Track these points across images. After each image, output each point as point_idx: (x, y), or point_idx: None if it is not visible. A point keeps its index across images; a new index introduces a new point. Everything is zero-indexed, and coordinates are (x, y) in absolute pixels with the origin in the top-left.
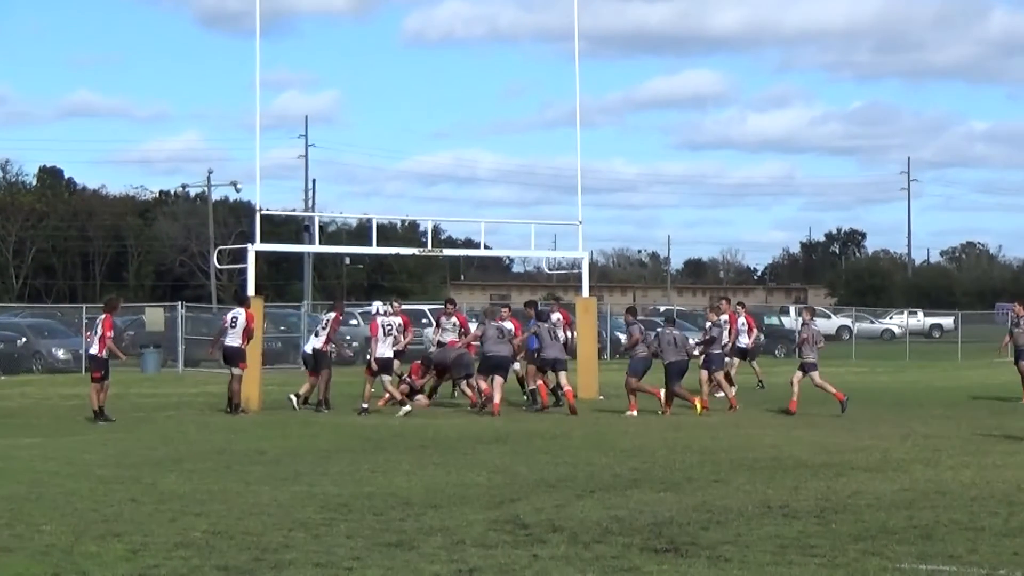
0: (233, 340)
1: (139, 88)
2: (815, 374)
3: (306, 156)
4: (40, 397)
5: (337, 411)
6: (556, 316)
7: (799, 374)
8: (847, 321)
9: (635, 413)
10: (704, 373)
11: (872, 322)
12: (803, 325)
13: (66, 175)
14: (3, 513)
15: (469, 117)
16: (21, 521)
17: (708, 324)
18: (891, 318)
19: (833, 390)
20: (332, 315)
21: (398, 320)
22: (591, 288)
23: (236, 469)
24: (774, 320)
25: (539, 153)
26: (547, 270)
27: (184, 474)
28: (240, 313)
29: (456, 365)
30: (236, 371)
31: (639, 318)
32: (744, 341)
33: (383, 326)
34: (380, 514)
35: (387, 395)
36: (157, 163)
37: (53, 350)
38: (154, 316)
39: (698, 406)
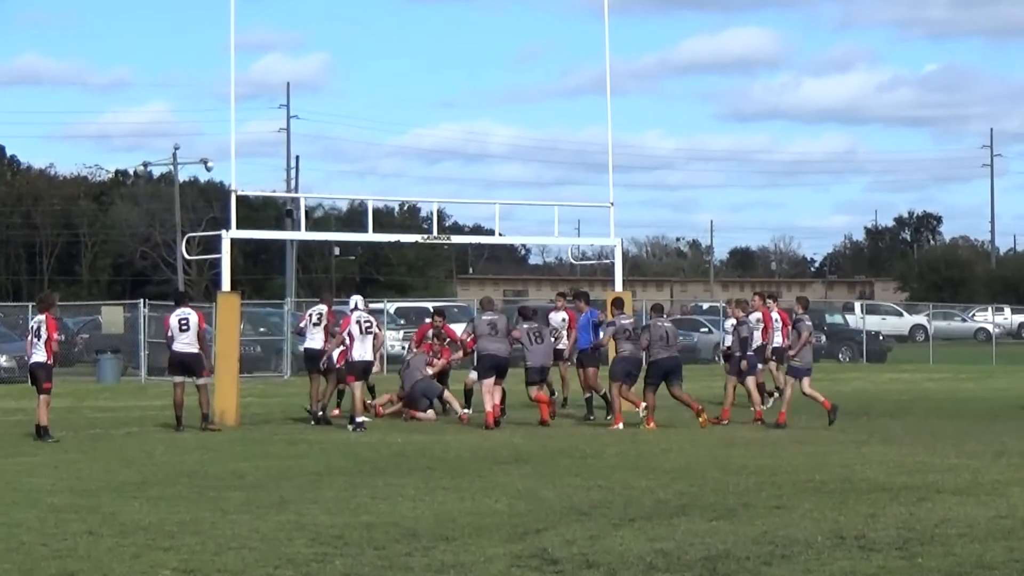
0: (189, 346)
1: (94, 52)
2: (781, 374)
3: (288, 129)
4: None
5: (328, 426)
6: (561, 316)
7: (806, 381)
8: (923, 319)
9: (620, 426)
10: (751, 380)
11: (963, 320)
12: (800, 321)
13: (8, 152)
14: None
15: (479, 84)
16: None
17: (732, 323)
18: (973, 316)
19: (783, 407)
20: (324, 308)
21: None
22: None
23: (211, 495)
24: (836, 319)
25: (561, 125)
26: (572, 260)
27: (150, 501)
28: (190, 314)
29: (412, 398)
30: (201, 381)
31: (621, 313)
32: (778, 341)
33: (359, 322)
34: (381, 548)
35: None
36: (115, 138)
37: None
38: (112, 316)
39: (652, 424)
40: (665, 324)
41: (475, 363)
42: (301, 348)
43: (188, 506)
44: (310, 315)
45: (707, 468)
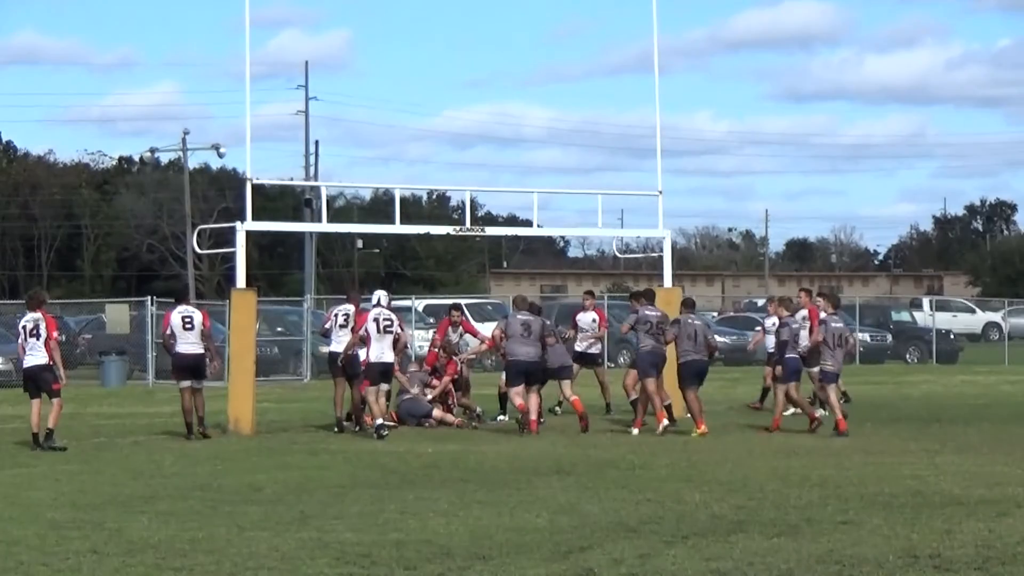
0: (195, 346)
1: (97, 29)
2: (792, 386)
3: (306, 112)
4: None
5: (351, 435)
6: (591, 317)
7: (833, 387)
8: (997, 317)
9: (666, 422)
10: (782, 387)
11: None
12: (824, 323)
13: (5, 138)
14: None
15: (512, 62)
16: None
17: (772, 322)
18: None
19: (837, 414)
20: (351, 308)
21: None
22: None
23: (225, 510)
24: (903, 316)
25: (602, 107)
26: (616, 253)
27: (159, 517)
28: (194, 312)
29: (406, 414)
30: (204, 384)
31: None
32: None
33: (378, 320)
34: (412, 568)
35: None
36: (119, 122)
37: None
38: (117, 315)
39: (703, 428)
40: (695, 322)
41: (504, 367)
42: (324, 350)
43: (201, 522)
44: (335, 315)
45: (766, 480)
